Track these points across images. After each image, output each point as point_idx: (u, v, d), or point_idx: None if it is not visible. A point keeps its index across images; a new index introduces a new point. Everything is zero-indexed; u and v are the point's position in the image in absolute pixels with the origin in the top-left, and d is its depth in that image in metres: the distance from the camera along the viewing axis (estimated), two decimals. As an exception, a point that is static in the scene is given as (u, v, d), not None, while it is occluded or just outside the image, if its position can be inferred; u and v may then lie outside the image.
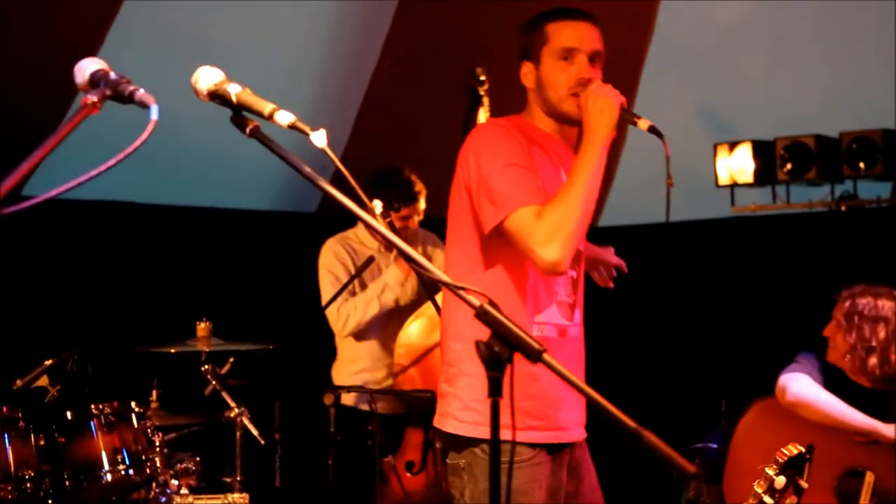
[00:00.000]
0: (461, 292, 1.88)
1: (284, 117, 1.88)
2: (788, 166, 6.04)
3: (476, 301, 1.86)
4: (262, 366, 4.87)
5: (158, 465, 4.01)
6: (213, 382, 4.46)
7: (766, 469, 2.73)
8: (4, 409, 3.77)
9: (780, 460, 2.72)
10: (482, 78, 4.26)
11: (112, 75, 1.83)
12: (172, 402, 4.54)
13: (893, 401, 4.09)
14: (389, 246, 4.89)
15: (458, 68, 4.45)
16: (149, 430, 4.05)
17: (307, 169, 1.92)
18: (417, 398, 4.49)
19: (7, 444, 3.69)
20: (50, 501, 3.72)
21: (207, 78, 1.94)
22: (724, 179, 6.21)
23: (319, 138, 1.89)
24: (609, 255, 3.27)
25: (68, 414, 3.87)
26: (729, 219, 6.41)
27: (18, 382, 4.12)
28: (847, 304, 4.19)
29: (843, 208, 6.09)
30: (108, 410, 3.92)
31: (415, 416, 4.69)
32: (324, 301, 4.80)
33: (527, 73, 2.97)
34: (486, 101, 4.28)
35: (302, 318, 5.07)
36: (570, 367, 1.89)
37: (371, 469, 4.51)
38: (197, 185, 6.00)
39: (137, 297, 5.69)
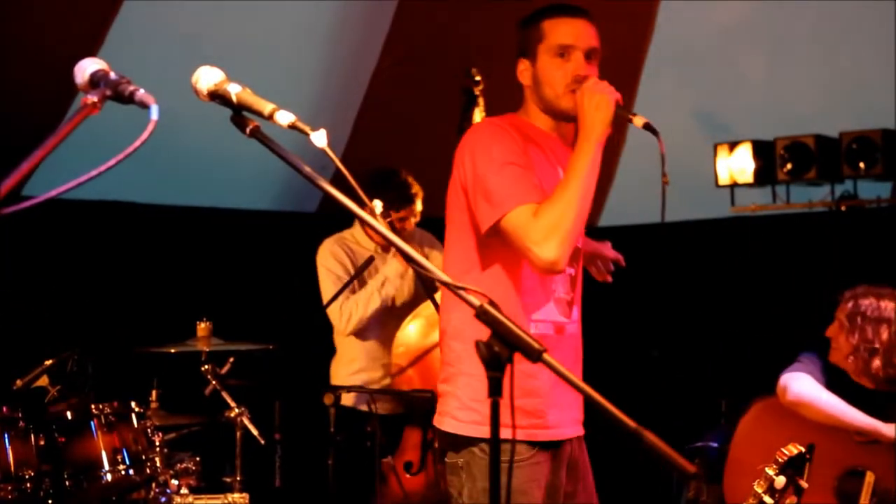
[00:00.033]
0: (461, 292, 1.88)
1: (284, 117, 1.88)
2: (788, 166, 6.04)
3: (476, 301, 1.86)
4: (262, 366, 4.87)
5: (158, 465, 4.01)
6: (213, 382, 4.46)
7: (766, 469, 2.73)
8: (4, 409, 3.77)
9: (780, 460, 2.72)
10: (477, 78, 4.27)
11: (112, 75, 1.83)
12: (172, 402, 4.54)
13: (895, 402, 4.09)
14: (387, 246, 4.90)
15: (459, 68, 4.44)
16: (149, 430, 4.05)
17: (307, 169, 1.92)
18: (417, 398, 4.49)
19: (7, 444, 3.69)
20: (50, 501, 3.72)
21: (207, 78, 1.94)
22: (724, 179, 6.21)
23: (319, 138, 1.89)
24: (606, 249, 3.27)
25: (68, 414, 3.88)
26: (729, 219, 6.41)
27: (18, 382, 4.12)
28: (850, 305, 4.18)
29: (843, 208, 6.09)
30: (108, 410, 3.92)
31: (413, 416, 4.69)
32: (325, 300, 4.81)
33: (523, 70, 2.97)
34: (481, 101, 4.29)
35: (302, 318, 5.07)
36: (568, 365, 1.90)
37: (371, 469, 4.51)
38: (197, 185, 6.00)
39: (137, 297, 5.69)
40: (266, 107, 1.90)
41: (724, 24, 6.38)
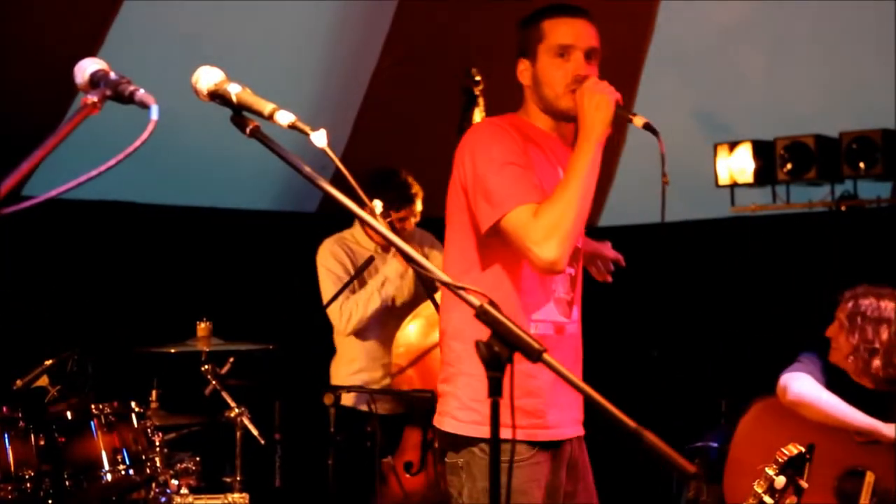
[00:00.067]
0: (461, 292, 1.88)
1: (284, 117, 1.88)
2: (788, 166, 6.04)
3: (476, 301, 1.86)
4: (262, 366, 4.87)
5: (158, 465, 4.01)
6: (213, 382, 4.46)
7: (766, 469, 2.73)
8: (4, 409, 3.77)
9: (780, 460, 2.72)
10: (477, 78, 4.27)
11: (112, 75, 1.83)
12: (172, 402, 4.54)
13: (895, 402, 4.09)
14: (387, 246, 4.90)
15: (459, 68, 4.44)
16: (149, 430, 4.05)
17: (307, 169, 1.92)
18: (417, 398, 4.49)
19: (7, 444, 3.69)
20: (50, 501, 3.72)
21: (207, 78, 1.94)
22: (724, 179, 6.21)
23: (319, 138, 1.89)
24: (607, 249, 3.27)
25: (68, 414, 3.88)
26: (729, 219, 6.41)
27: (18, 382, 4.12)
28: (850, 305, 4.18)
29: (843, 208, 6.09)
30: (108, 410, 3.92)
31: (413, 416, 4.69)
32: (325, 300, 4.81)
33: (523, 70, 2.96)
34: (481, 101, 4.29)
35: (302, 318, 5.07)
36: (568, 365, 1.89)
37: (371, 469, 4.51)
38: (197, 185, 6.00)
39: (137, 297, 5.69)
40: (266, 107, 1.90)
41: (724, 24, 6.38)
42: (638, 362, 6.61)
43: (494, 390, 1.82)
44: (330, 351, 5.03)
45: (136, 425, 4.00)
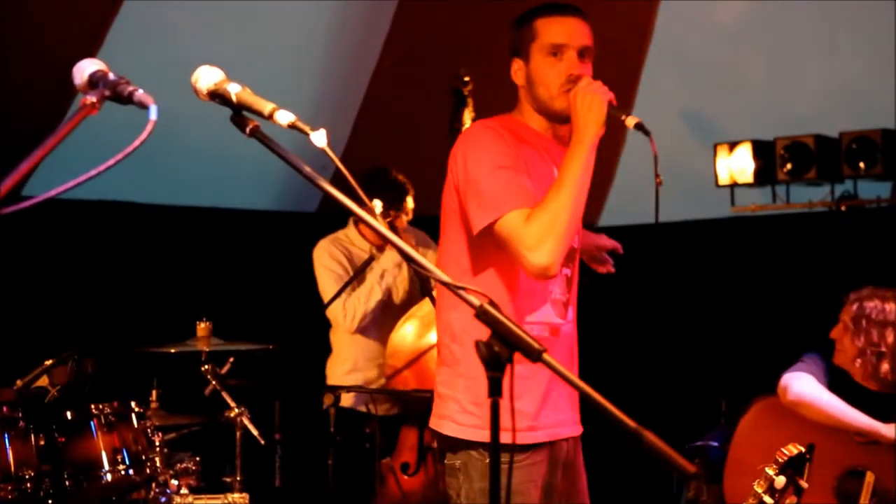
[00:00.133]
0: (461, 292, 1.87)
1: (284, 117, 1.88)
2: (788, 166, 6.04)
3: (476, 301, 1.86)
4: (262, 366, 4.87)
5: (158, 465, 4.01)
6: (213, 382, 4.46)
7: (766, 469, 2.73)
8: (4, 409, 3.77)
9: (780, 460, 2.72)
10: (466, 79, 4.28)
11: (111, 76, 1.83)
12: (172, 402, 4.54)
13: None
14: (383, 246, 4.90)
15: (458, 69, 4.45)
16: (149, 430, 4.05)
17: (307, 169, 1.91)
18: (414, 398, 4.49)
19: (7, 444, 3.69)
20: (50, 501, 3.71)
21: (207, 77, 1.94)
22: (724, 179, 6.20)
23: (319, 138, 1.89)
24: (603, 239, 3.28)
25: (68, 414, 3.87)
26: (729, 219, 6.41)
27: (18, 382, 4.11)
28: (854, 307, 4.18)
29: (843, 208, 6.09)
30: (108, 410, 3.92)
31: (410, 417, 4.69)
32: (326, 299, 4.80)
33: (517, 69, 2.95)
34: (470, 101, 4.30)
35: (302, 318, 5.08)
36: (564, 365, 1.88)
37: (370, 470, 4.51)
38: (197, 185, 6.00)
39: (137, 297, 5.69)
40: (266, 106, 1.90)
41: (723, 24, 6.38)
42: (638, 362, 6.61)
43: (494, 390, 1.82)
44: (330, 351, 5.03)
45: (136, 425, 4.00)
